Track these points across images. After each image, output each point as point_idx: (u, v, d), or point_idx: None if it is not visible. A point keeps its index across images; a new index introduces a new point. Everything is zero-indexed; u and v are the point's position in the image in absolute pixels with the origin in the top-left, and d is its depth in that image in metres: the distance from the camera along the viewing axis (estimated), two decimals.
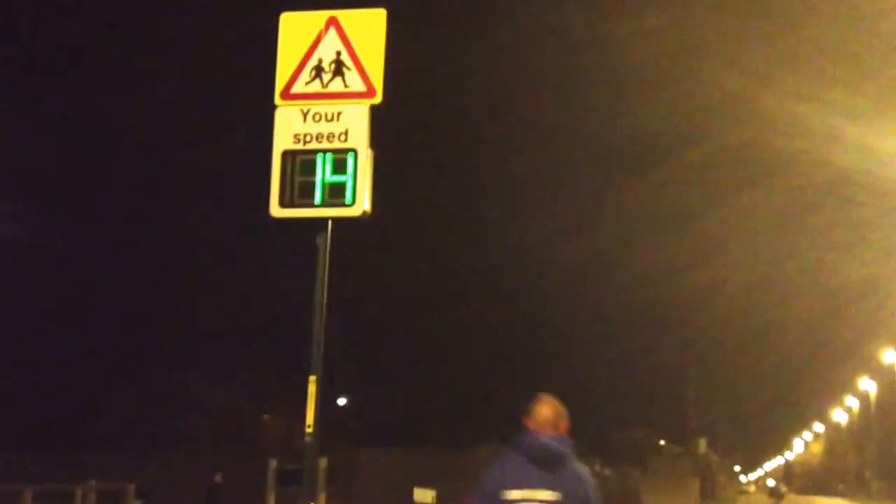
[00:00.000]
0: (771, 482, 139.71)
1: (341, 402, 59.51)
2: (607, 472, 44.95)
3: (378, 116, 8.45)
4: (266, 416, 37.39)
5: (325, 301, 7.95)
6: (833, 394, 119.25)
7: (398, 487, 31.00)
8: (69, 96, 57.12)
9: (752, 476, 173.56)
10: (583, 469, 5.95)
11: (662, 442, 67.05)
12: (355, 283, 42.60)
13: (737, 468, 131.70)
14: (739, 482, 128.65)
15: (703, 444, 60.78)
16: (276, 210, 8.29)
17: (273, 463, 14.74)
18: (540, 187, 71.34)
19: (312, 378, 7.50)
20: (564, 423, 6.04)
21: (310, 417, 7.52)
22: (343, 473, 23.86)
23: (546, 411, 5.98)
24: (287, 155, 8.32)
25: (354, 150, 8.22)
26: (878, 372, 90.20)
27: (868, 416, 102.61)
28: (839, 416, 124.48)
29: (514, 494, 5.68)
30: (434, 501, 31.45)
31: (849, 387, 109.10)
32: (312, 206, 8.22)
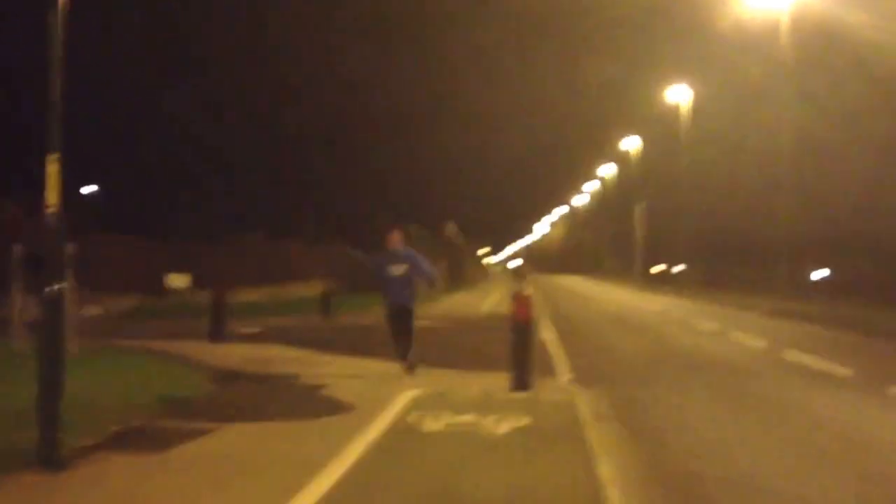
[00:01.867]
0: (513, 263, 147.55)
1: (90, 189, 57.41)
2: (358, 254, 45.58)
3: None
4: (3, 201, 35.46)
5: (60, 76, 7.49)
6: (576, 180, 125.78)
7: (150, 275, 30.75)
8: None
9: (497, 258, 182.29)
10: (413, 252, 13.98)
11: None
12: (97, 59, 40.34)
13: (482, 251, 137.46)
14: (484, 264, 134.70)
15: (451, 228, 62.92)
16: None
17: (18, 249, 14.12)
18: None
19: (52, 157, 7.18)
20: (401, 238, 13.87)
21: (51, 197, 7.21)
22: (93, 261, 23.30)
23: (396, 237, 13.84)
24: None
25: None
26: (616, 157, 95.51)
27: (606, 200, 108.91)
28: (580, 200, 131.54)
29: (390, 267, 13.65)
30: (189, 286, 31.56)
31: (590, 174, 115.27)
32: None
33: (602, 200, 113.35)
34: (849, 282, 45.10)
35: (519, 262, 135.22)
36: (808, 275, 48.38)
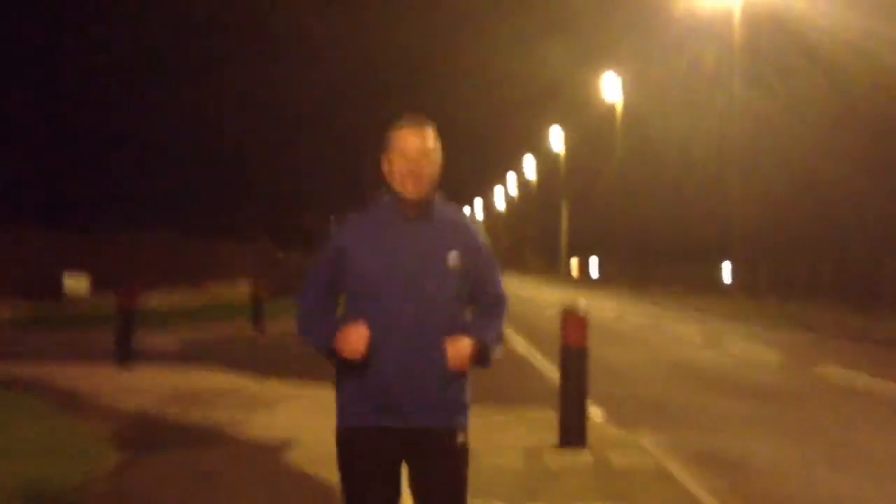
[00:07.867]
0: None
1: None
2: (280, 254, 42.35)
3: None
4: None
5: None
6: (495, 176, 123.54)
7: (43, 273, 26.12)
8: None
9: None
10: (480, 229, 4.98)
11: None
12: None
13: None
14: None
15: None
16: None
17: None
18: None
19: None
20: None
21: None
22: None
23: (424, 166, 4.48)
24: None
25: None
26: (542, 151, 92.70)
27: (529, 196, 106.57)
28: (503, 191, 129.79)
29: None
30: (87, 290, 26.90)
31: (513, 166, 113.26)
32: None
33: (525, 197, 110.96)
34: (759, 281, 43.12)
35: None
36: (721, 273, 46.00)
